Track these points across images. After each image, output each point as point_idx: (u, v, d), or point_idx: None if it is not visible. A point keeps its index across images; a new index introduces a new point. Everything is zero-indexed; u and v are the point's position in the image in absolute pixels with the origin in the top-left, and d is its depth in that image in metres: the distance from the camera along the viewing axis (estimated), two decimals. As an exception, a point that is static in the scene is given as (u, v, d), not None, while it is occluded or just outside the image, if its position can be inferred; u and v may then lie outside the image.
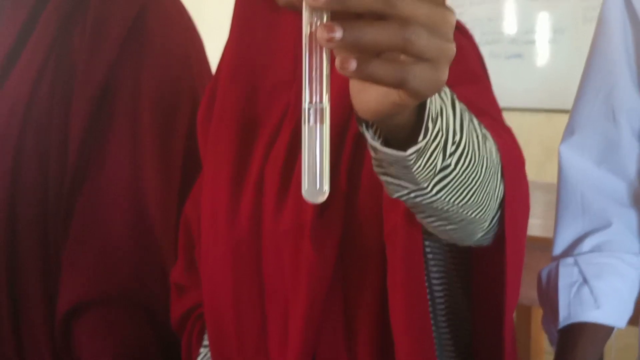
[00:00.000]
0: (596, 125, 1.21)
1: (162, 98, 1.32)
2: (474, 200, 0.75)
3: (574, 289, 1.18)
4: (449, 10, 0.52)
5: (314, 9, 0.51)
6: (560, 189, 1.25)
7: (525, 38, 4.19)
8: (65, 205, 1.27)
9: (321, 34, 0.49)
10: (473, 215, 0.78)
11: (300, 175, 0.53)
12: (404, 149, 0.62)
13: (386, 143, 0.63)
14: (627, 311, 1.19)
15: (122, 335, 1.27)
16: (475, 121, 0.73)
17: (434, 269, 0.99)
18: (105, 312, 1.27)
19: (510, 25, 4.25)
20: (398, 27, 0.50)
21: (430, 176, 0.68)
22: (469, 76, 0.96)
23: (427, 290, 0.97)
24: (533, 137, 3.91)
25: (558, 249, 1.24)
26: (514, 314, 1.05)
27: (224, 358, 1.04)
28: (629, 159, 1.19)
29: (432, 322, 0.99)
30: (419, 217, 0.81)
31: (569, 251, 1.22)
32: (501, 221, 0.85)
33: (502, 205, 0.83)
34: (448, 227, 0.81)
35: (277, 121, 1.00)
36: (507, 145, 0.82)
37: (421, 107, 0.61)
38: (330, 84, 0.52)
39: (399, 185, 0.69)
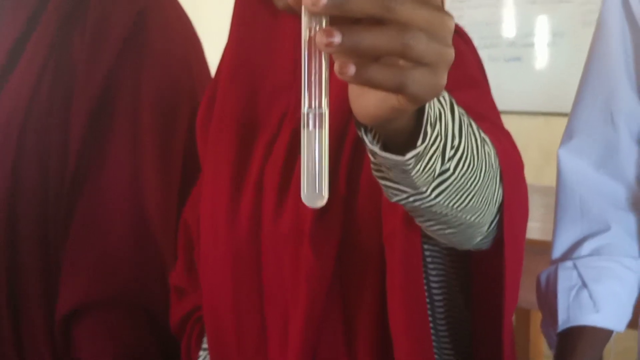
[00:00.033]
0: (595, 129, 1.21)
1: (162, 99, 1.32)
2: (472, 204, 0.75)
3: (573, 292, 1.18)
4: (447, 15, 0.52)
5: (313, 14, 0.51)
6: (559, 193, 1.25)
7: (524, 41, 4.19)
8: (65, 206, 1.27)
9: (320, 39, 0.50)
10: (472, 219, 0.78)
11: (300, 177, 0.53)
12: (403, 154, 0.62)
13: (385, 147, 0.63)
14: (626, 315, 1.19)
15: (122, 336, 1.27)
16: (474, 125, 0.73)
17: (433, 272, 0.99)
18: (105, 313, 1.27)
19: (509, 29, 4.26)
20: (397, 32, 0.50)
21: (429, 180, 0.68)
22: (468, 80, 0.96)
23: (426, 294, 0.97)
24: (532, 140, 3.91)
25: (557, 252, 1.24)
26: (513, 317, 1.05)
27: (224, 361, 1.04)
28: (627, 163, 1.19)
29: (431, 325, 0.99)
30: (418, 220, 0.81)
31: (567, 255, 1.22)
32: (500, 225, 0.85)
33: (501, 209, 0.83)
34: (447, 231, 0.81)
35: (277, 123, 1.00)
36: (506, 150, 0.82)
37: (420, 112, 0.61)
38: (330, 89, 0.53)
39: (397, 189, 0.69)
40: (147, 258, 1.29)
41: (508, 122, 0.98)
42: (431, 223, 0.79)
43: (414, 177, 0.65)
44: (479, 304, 0.98)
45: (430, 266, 0.99)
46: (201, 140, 1.11)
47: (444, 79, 0.53)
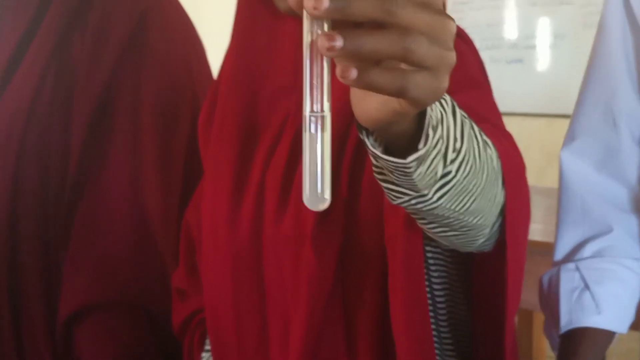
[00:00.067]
0: (597, 131, 1.21)
1: (162, 102, 1.32)
2: (474, 206, 0.75)
3: (575, 294, 1.18)
4: (449, 18, 0.52)
5: (314, 18, 0.51)
6: (561, 195, 1.25)
7: (526, 43, 4.19)
8: (66, 207, 1.27)
9: (322, 43, 0.50)
10: (474, 221, 0.78)
11: (301, 180, 0.53)
12: (405, 157, 0.62)
13: (387, 150, 0.63)
14: (629, 316, 1.19)
15: (123, 339, 1.27)
16: (476, 128, 0.73)
17: (435, 274, 0.99)
18: (106, 316, 1.27)
19: (510, 30, 4.26)
20: (398, 36, 0.50)
21: (431, 183, 0.68)
22: (469, 82, 0.96)
23: (429, 295, 0.97)
24: (534, 142, 3.92)
25: (559, 254, 1.24)
26: (516, 319, 1.05)
27: (226, 363, 1.04)
28: (629, 165, 1.19)
29: (433, 327, 0.99)
30: (419, 223, 0.81)
31: (570, 256, 1.22)
32: (502, 227, 0.85)
33: (503, 211, 0.83)
34: (449, 233, 0.81)
35: (278, 126, 1.00)
36: (507, 152, 0.82)
37: (421, 115, 0.61)
38: (331, 92, 0.53)
39: (399, 192, 0.69)
40: (147, 258, 1.29)
41: (510, 124, 0.98)
42: (433, 225, 0.79)
43: (416, 180, 0.65)
44: (481, 305, 0.98)
45: (432, 268, 0.98)
46: (203, 142, 1.12)
47: (445, 83, 0.53)
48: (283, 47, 1.00)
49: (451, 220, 0.76)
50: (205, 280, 1.08)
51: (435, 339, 0.99)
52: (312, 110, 0.52)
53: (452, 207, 0.73)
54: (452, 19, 0.53)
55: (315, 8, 0.49)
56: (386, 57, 0.51)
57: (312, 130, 0.52)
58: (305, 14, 0.51)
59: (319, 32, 0.51)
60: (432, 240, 0.89)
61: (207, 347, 1.14)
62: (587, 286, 1.18)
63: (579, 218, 1.22)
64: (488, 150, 0.75)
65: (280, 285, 0.97)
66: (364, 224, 0.94)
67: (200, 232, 1.09)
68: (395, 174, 0.65)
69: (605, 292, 1.17)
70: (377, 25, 0.51)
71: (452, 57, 0.53)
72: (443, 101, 0.65)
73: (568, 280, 1.20)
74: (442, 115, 0.64)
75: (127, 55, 1.31)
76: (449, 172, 0.68)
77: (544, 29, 4.13)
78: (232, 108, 1.04)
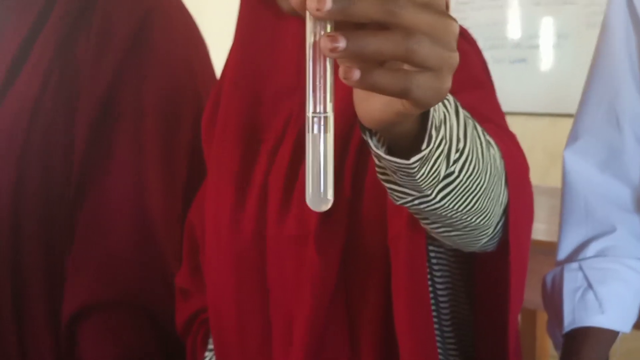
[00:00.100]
0: (600, 131, 1.21)
1: (165, 102, 1.32)
2: (478, 206, 0.75)
3: (579, 293, 1.18)
4: (451, 19, 0.52)
5: (317, 19, 0.51)
6: (564, 194, 1.25)
7: (529, 43, 4.19)
8: (69, 209, 1.28)
9: (325, 44, 0.50)
10: (477, 221, 0.78)
11: (304, 181, 0.53)
12: (408, 157, 0.62)
13: (390, 151, 0.63)
14: (632, 316, 1.19)
15: (126, 339, 1.28)
16: (479, 128, 0.73)
17: (438, 274, 0.99)
18: (109, 316, 1.27)
19: (514, 30, 4.25)
20: (401, 37, 0.50)
21: (434, 183, 0.68)
22: (472, 82, 0.96)
23: (431, 295, 0.97)
24: (537, 141, 3.91)
25: (562, 253, 1.24)
26: (519, 318, 1.05)
27: (229, 363, 1.04)
28: (632, 165, 1.19)
29: (436, 327, 0.99)
30: (423, 223, 0.81)
31: (573, 256, 1.22)
32: (505, 227, 0.85)
33: (506, 211, 0.83)
34: (452, 234, 0.81)
35: (281, 126, 1.00)
36: (511, 152, 0.82)
37: (424, 116, 0.61)
38: (334, 92, 0.53)
39: (402, 192, 0.69)
40: (149, 259, 1.29)
41: (513, 124, 0.98)
42: (436, 225, 0.79)
43: (419, 181, 0.66)
44: (484, 305, 0.98)
45: (435, 267, 0.99)
46: (206, 143, 1.12)
47: (448, 83, 0.53)
48: (286, 47, 1.00)
49: (454, 220, 0.76)
50: (209, 280, 1.08)
51: (438, 338, 0.99)
52: (314, 111, 0.52)
53: (456, 207, 0.73)
54: (455, 20, 0.53)
55: (317, 9, 0.49)
56: (389, 58, 0.51)
57: (315, 130, 0.52)
58: (308, 14, 0.51)
59: (322, 32, 0.51)
60: (435, 240, 0.89)
61: (210, 346, 1.14)
62: (590, 286, 1.18)
63: (582, 218, 1.22)
64: (491, 150, 0.75)
65: (283, 285, 0.97)
66: (367, 224, 0.94)
67: (204, 232, 1.09)
68: (399, 175, 0.65)
69: (609, 292, 1.17)
70: (379, 26, 0.51)
71: (455, 57, 0.53)
72: (446, 101, 0.65)
73: (571, 279, 1.20)
74: (445, 115, 0.64)
75: (131, 55, 1.31)
76: (452, 173, 0.68)
77: (547, 28, 4.13)
78: (235, 108, 1.04)
